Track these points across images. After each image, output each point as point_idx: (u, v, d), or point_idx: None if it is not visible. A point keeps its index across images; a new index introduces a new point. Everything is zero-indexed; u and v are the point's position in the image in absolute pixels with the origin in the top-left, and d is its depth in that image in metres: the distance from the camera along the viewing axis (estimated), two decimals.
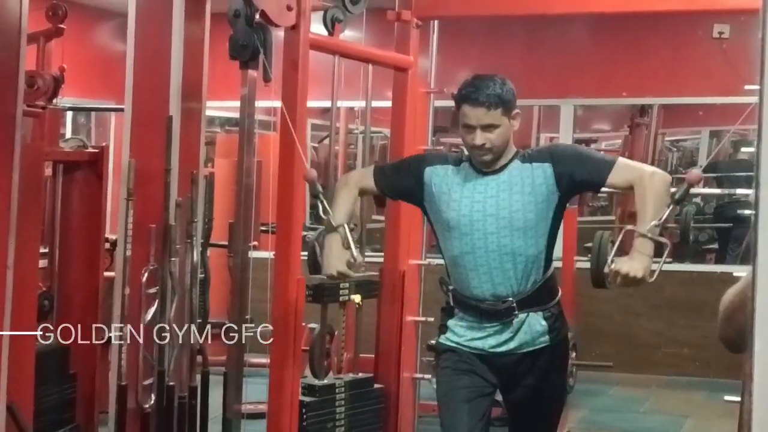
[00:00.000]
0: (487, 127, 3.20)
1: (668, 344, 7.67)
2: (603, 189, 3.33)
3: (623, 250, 3.14)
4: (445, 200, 3.32)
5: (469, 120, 3.22)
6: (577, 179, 3.25)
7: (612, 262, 3.03)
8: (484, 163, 3.28)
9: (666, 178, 3.17)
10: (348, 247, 3.28)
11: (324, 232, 3.39)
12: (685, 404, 6.83)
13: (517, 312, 3.25)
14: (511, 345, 3.29)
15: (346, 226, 3.32)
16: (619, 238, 3.05)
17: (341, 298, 4.08)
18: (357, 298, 4.11)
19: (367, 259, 4.30)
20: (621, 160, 3.25)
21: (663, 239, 3.06)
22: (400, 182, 3.47)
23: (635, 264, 2.99)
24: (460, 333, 3.35)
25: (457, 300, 3.39)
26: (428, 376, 4.99)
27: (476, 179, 3.29)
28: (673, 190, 3.14)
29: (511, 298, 3.25)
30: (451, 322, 3.40)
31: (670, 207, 3.12)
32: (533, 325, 3.28)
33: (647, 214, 3.06)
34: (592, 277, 6.03)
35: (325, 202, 3.34)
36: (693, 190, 8.77)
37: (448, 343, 3.38)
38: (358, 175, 3.62)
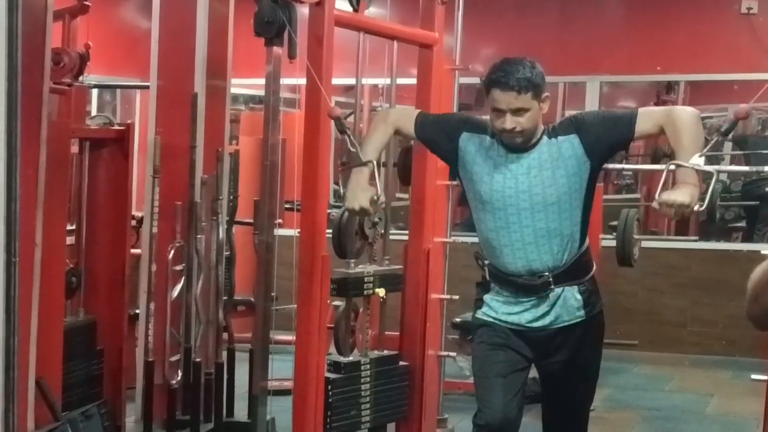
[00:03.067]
0: (517, 111, 3.19)
1: (693, 323, 7.64)
2: (635, 139, 3.30)
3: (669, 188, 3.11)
4: (477, 171, 3.32)
5: (499, 104, 3.20)
6: (606, 141, 3.26)
7: (659, 195, 3.04)
8: (514, 145, 3.28)
9: (694, 111, 3.19)
10: (374, 184, 3.31)
11: (351, 166, 3.38)
12: (711, 383, 6.80)
13: (553, 287, 3.27)
14: (547, 320, 3.31)
15: (374, 162, 3.35)
16: (663, 177, 3.08)
17: (365, 292, 4.05)
18: (381, 291, 4.06)
19: (391, 237, 4.32)
20: (643, 108, 3.28)
21: (709, 168, 3.07)
22: (437, 137, 3.47)
23: (683, 191, 3.00)
24: (496, 308, 3.37)
25: (492, 274, 3.39)
26: (453, 353, 5.00)
27: (507, 157, 3.29)
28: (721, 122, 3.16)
29: (546, 273, 3.27)
30: (487, 297, 3.41)
31: (715, 139, 3.14)
32: (568, 299, 3.30)
33: (684, 146, 3.08)
34: (618, 255, 6.01)
35: (352, 137, 3.38)
36: (719, 168, 8.68)
37: (484, 318, 3.39)
38: (399, 114, 3.62)
